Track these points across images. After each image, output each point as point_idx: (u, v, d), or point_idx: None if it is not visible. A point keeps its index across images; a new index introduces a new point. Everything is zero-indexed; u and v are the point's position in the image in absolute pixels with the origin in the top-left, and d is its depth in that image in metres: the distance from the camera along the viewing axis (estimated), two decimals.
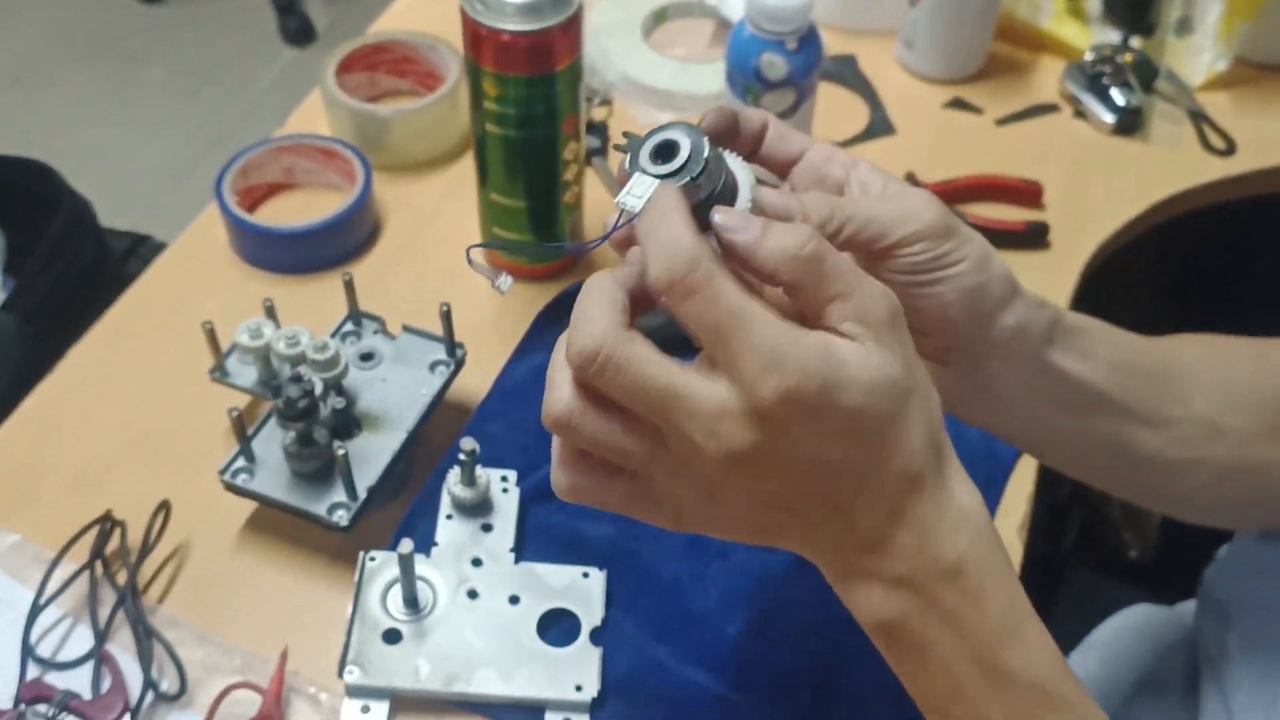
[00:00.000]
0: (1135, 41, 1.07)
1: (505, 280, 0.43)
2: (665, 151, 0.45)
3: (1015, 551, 0.74)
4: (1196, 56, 1.07)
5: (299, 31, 2.58)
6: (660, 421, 0.42)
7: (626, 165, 0.45)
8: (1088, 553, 1.07)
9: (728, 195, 0.46)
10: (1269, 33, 1.05)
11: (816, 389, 0.40)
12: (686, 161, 0.44)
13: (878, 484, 0.43)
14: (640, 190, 0.44)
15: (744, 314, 0.41)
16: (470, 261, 0.44)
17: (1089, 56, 1.04)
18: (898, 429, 0.42)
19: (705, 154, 0.44)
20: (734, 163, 0.47)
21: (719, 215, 0.44)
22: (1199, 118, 1.02)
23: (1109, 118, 1.01)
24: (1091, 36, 1.08)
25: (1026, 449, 0.61)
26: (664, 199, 0.43)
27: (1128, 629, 0.81)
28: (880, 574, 0.45)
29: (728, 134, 0.51)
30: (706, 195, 0.45)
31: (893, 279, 0.50)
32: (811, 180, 0.52)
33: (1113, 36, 1.08)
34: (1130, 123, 1.01)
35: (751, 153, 0.52)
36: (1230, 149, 1.00)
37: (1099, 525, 1.10)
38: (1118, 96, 1.01)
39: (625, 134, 0.46)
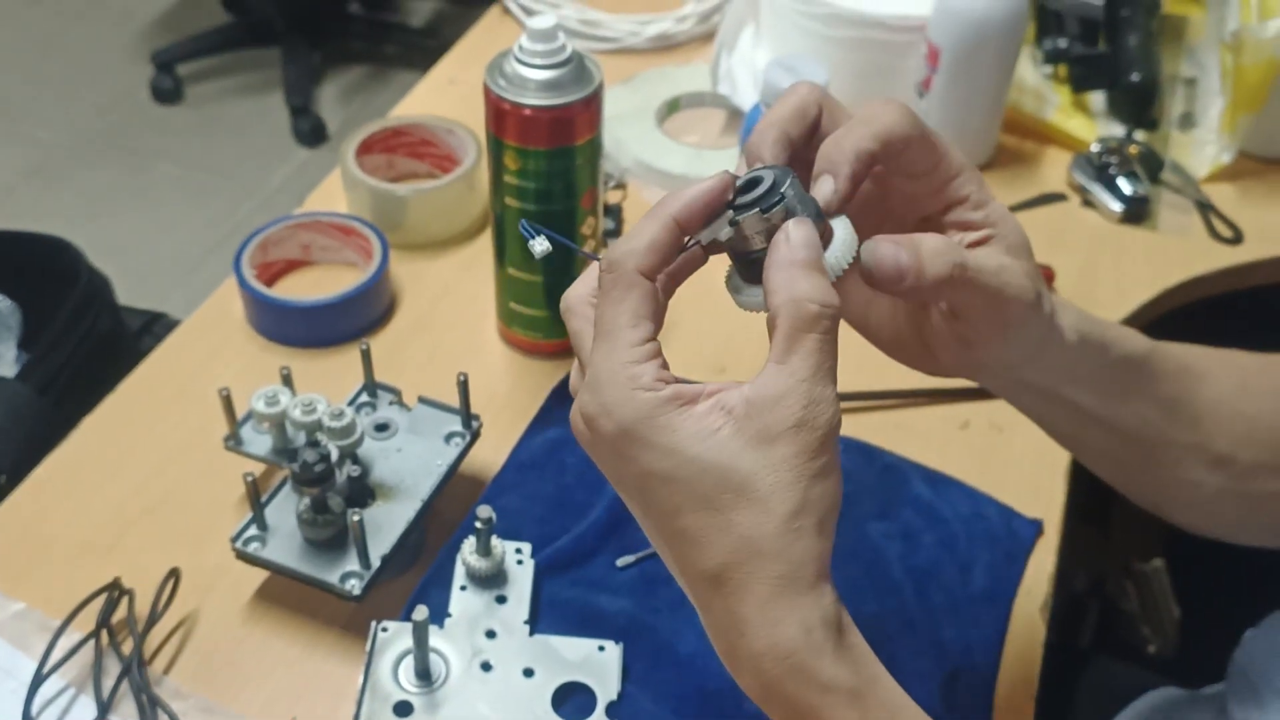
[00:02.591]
0: (1140, 135, 1.09)
1: (541, 243, 0.46)
2: (752, 186, 0.46)
3: (1037, 631, 0.73)
4: (1201, 150, 1.09)
5: (311, 132, 2.63)
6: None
7: None
8: (1106, 648, 1.05)
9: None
10: (1272, 128, 1.06)
11: (613, 430, 0.42)
12: (766, 192, 0.45)
13: (675, 555, 0.44)
14: (716, 225, 0.46)
15: (611, 332, 0.43)
16: (525, 229, 0.46)
17: (1095, 148, 1.06)
18: (701, 516, 0.42)
19: (785, 187, 0.45)
20: (838, 224, 0.47)
21: (795, 224, 0.44)
22: (1206, 208, 1.04)
23: (1117, 206, 1.02)
24: (1097, 129, 1.10)
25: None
26: (666, 204, 0.45)
27: (1153, 713, 0.79)
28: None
29: (809, 134, 0.49)
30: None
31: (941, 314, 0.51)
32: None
33: (1117, 130, 1.10)
34: (1138, 211, 1.02)
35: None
36: (1238, 238, 1.01)
37: (1117, 619, 1.08)
38: (1125, 186, 1.03)
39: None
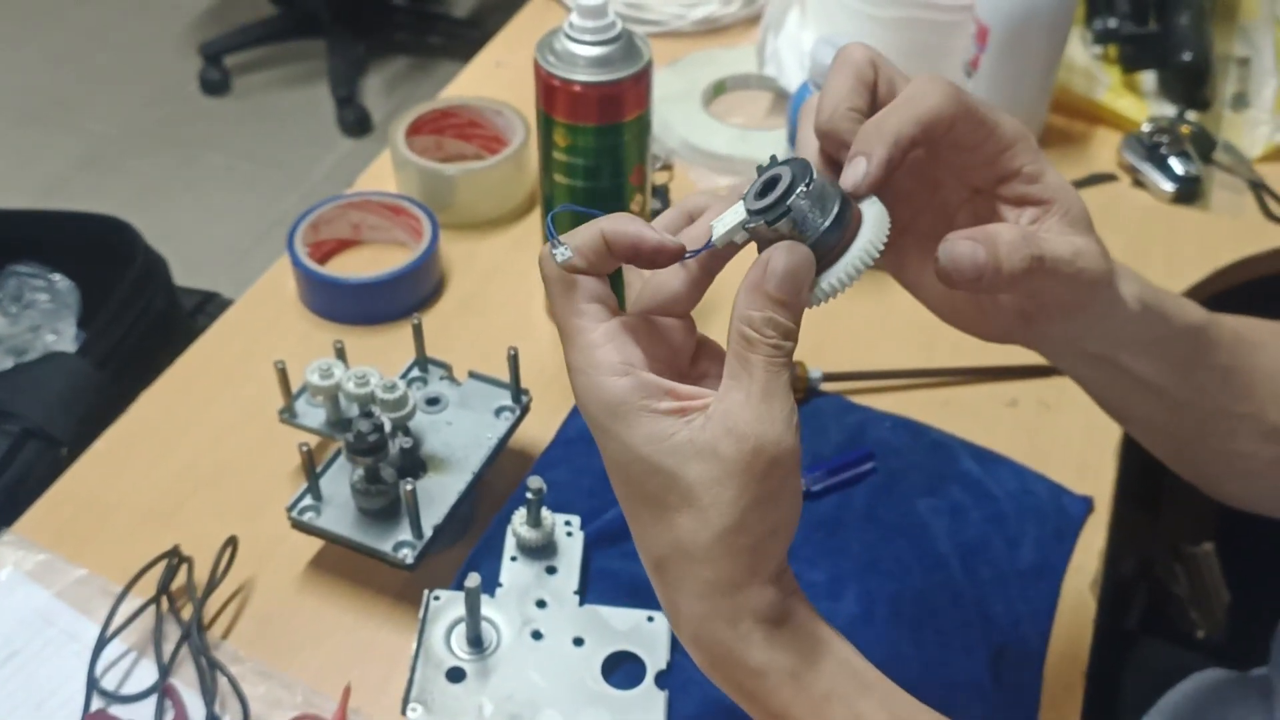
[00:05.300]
0: (1191, 115, 1.08)
1: (564, 250, 0.45)
2: (771, 185, 0.45)
3: (1087, 608, 0.72)
4: (1254, 130, 1.08)
5: (356, 123, 2.66)
6: None
7: (745, 195, 0.46)
8: (1153, 631, 1.04)
9: (834, 236, 0.44)
10: None
11: (586, 417, 0.44)
12: (783, 194, 0.44)
13: (632, 532, 0.46)
14: (728, 219, 0.45)
15: (563, 328, 0.45)
16: (551, 235, 0.46)
17: (1146, 128, 1.05)
18: (648, 510, 0.43)
19: (795, 197, 0.44)
20: (869, 207, 0.45)
21: (781, 250, 0.43)
22: (1259, 187, 1.02)
23: (1169, 186, 1.01)
24: (1148, 109, 1.09)
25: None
26: (615, 220, 0.45)
27: (1200, 693, 0.78)
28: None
29: (874, 100, 0.48)
30: (812, 231, 0.44)
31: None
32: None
33: (1169, 110, 1.09)
34: (1190, 191, 1.01)
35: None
36: None
37: (1165, 603, 1.07)
38: (1177, 166, 1.02)
39: (772, 157, 0.46)
